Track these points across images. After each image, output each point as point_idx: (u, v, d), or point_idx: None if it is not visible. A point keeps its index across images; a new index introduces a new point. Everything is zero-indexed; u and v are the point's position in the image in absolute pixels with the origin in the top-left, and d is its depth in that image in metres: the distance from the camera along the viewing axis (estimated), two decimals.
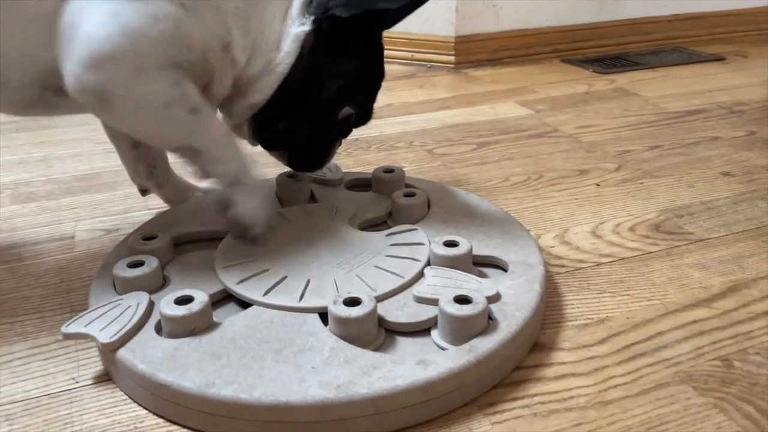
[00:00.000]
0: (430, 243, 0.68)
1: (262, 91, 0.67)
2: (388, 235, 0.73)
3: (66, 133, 1.22)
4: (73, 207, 0.91)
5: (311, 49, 0.66)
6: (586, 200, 0.92)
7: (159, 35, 0.57)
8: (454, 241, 0.68)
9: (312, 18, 0.66)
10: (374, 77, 0.74)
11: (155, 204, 0.92)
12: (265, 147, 0.74)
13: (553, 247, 0.79)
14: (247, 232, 0.70)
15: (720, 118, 1.27)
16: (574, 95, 1.44)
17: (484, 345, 0.55)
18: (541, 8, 1.73)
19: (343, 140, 0.79)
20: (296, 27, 0.66)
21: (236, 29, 0.63)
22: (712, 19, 1.94)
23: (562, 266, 0.75)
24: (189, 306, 0.57)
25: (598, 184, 0.97)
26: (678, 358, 0.60)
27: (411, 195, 0.79)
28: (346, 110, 0.72)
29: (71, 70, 0.57)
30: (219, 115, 0.72)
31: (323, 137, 0.74)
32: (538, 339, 0.62)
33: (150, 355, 0.54)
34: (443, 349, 0.56)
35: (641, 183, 0.98)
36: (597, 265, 0.76)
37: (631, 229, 0.84)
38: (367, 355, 0.54)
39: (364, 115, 0.75)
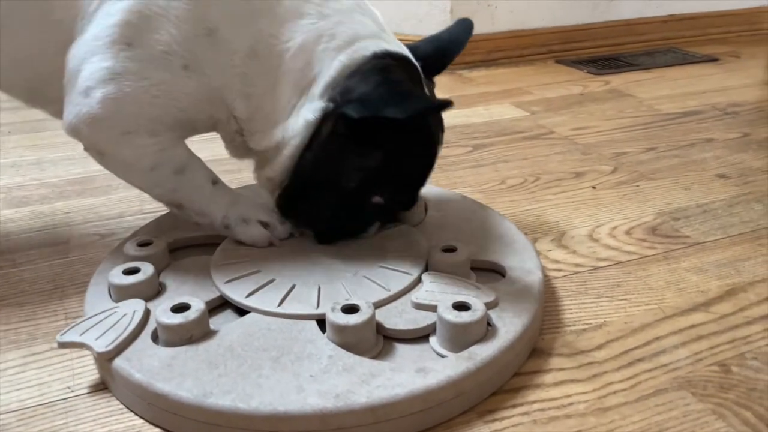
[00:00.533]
0: (428, 248, 0.68)
1: (274, 168, 0.66)
2: (382, 237, 0.72)
3: (59, 135, 1.21)
4: (67, 211, 0.91)
5: (330, 135, 0.63)
6: (583, 203, 0.92)
7: (150, 101, 0.60)
8: (453, 246, 0.68)
9: (330, 105, 0.62)
10: (413, 168, 0.68)
11: (150, 208, 0.91)
12: (285, 216, 0.72)
13: (550, 251, 0.79)
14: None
15: (714, 119, 1.27)
16: (569, 96, 1.44)
17: (483, 352, 0.55)
18: (536, 9, 1.73)
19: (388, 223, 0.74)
20: (310, 110, 0.62)
21: (239, 93, 0.64)
22: (706, 20, 1.95)
23: (560, 270, 0.75)
24: (185, 314, 0.57)
25: (594, 187, 0.97)
26: (676, 363, 0.60)
27: None
28: (377, 199, 0.67)
29: (68, 118, 0.62)
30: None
31: (350, 222, 0.70)
32: (536, 345, 0.62)
33: (146, 365, 0.54)
34: (442, 356, 0.56)
35: (637, 185, 0.98)
36: (594, 269, 0.76)
37: (628, 233, 0.84)
38: (366, 363, 0.54)
39: (404, 203, 0.72)
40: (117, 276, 0.63)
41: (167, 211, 0.82)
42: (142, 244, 0.69)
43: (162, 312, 0.57)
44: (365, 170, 0.64)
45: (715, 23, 1.95)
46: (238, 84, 0.63)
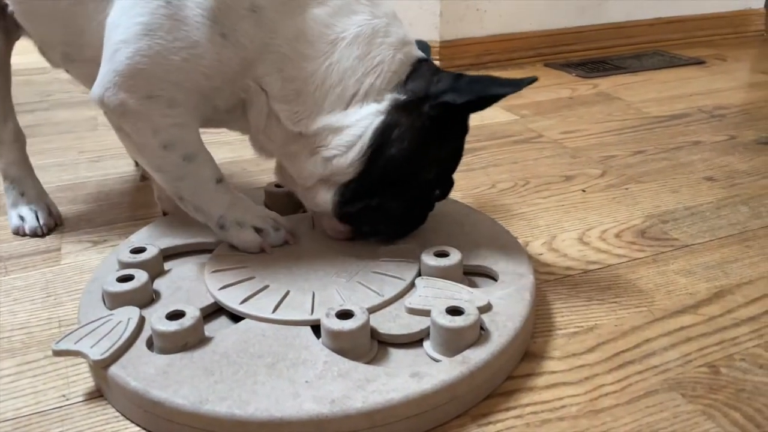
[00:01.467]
0: (420, 252, 0.69)
1: (337, 163, 0.65)
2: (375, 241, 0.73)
3: (49, 141, 1.20)
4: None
5: (412, 128, 0.65)
6: (573, 207, 0.93)
7: (179, 63, 0.61)
8: (445, 251, 0.68)
9: (407, 98, 0.65)
10: (459, 156, 0.73)
11: (142, 214, 0.91)
12: (343, 219, 0.70)
13: (541, 254, 0.80)
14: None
15: (701, 122, 1.28)
16: (558, 100, 1.45)
17: (476, 356, 0.56)
18: (525, 12, 1.74)
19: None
20: (380, 102, 0.65)
21: (276, 71, 0.64)
22: (693, 23, 1.97)
23: (551, 274, 0.76)
24: (181, 321, 0.57)
25: (583, 190, 0.98)
26: (666, 365, 0.61)
27: None
28: (437, 191, 0.72)
29: (98, 80, 0.62)
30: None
31: (413, 216, 0.73)
32: (528, 348, 0.63)
33: (142, 372, 0.54)
34: (436, 360, 0.57)
35: (626, 189, 0.99)
36: (585, 272, 0.76)
37: (618, 236, 0.85)
38: (361, 369, 0.54)
39: (446, 191, 0.74)
40: (111, 283, 0.63)
41: (159, 217, 0.83)
42: (136, 251, 0.69)
43: (157, 319, 0.57)
44: (441, 161, 0.69)
45: (701, 26, 1.98)
46: (276, 62, 0.64)
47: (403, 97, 0.65)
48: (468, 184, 1.01)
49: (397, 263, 0.69)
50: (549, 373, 0.60)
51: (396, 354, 0.59)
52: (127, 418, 0.55)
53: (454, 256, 0.67)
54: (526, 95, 1.49)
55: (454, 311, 0.58)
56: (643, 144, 1.17)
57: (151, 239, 0.74)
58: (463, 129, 0.71)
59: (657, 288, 0.73)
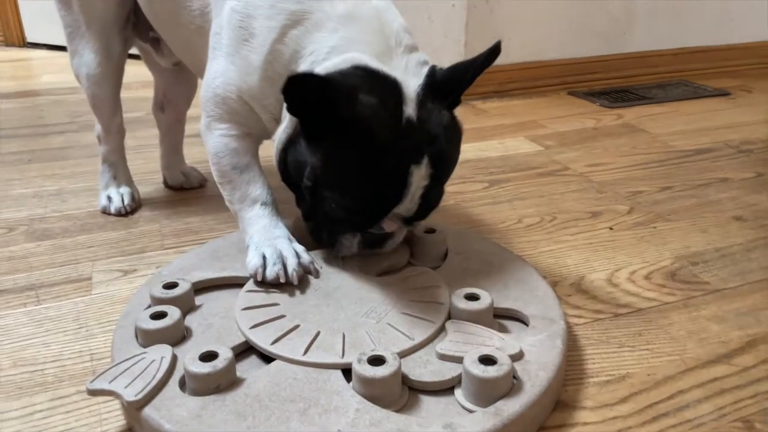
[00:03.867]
0: (450, 294, 0.69)
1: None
2: (402, 279, 0.73)
3: (79, 165, 1.22)
4: (89, 246, 0.91)
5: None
6: (601, 245, 0.93)
7: (215, 88, 0.77)
8: (475, 294, 0.68)
9: None
10: (357, 177, 0.69)
11: (171, 243, 0.92)
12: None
13: (570, 296, 0.80)
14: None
15: (729, 157, 1.28)
16: (583, 131, 1.45)
17: (509, 408, 0.55)
18: (549, 41, 1.75)
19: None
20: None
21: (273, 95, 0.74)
22: (718, 53, 1.96)
23: (580, 317, 0.76)
24: (214, 363, 0.57)
25: (611, 228, 0.98)
26: (700, 419, 0.60)
27: (431, 231, 0.81)
28: (329, 205, 0.71)
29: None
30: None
31: (320, 223, 0.75)
32: (560, 397, 0.63)
33: (176, 414, 0.54)
34: (468, 410, 0.56)
35: (654, 227, 0.98)
36: (615, 316, 0.76)
37: (647, 278, 0.84)
38: (393, 418, 0.54)
39: (359, 220, 0.72)
40: (144, 320, 0.64)
41: (189, 249, 0.83)
42: (168, 286, 0.70)
43: (190, 361, 0.57)
44: (313, 168, 0.69)
45: (727, 56, 1.97)
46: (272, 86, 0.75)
47: None
48: (494, 218, 1.01)
49: (427, 305, 0.69)
50: (582, 424, 0.59)
51: (427, 402, 0.59)
52: None
53: (485, 300, 0.67)
54: (551, 125, 1.49)
55: (487, 360, 0.58)
56: (670, 179, 1.16)
57: (183, 272, 0.75)
58: (349, 143, 0.66)
59: (689, 335, 0.72)
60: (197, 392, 0.57)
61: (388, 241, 0.75)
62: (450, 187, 1.12)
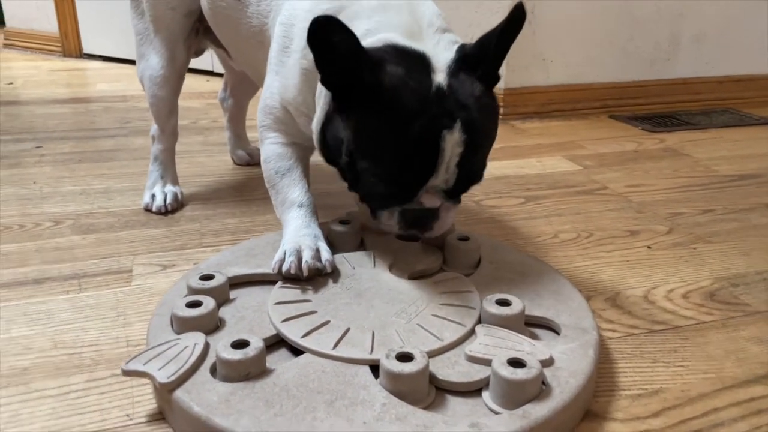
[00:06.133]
0: (481, 300, 0.69)
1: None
2: (434, 283, 0.74)
3: (126, 167, 1.26)
4: (131, 241, 0.94)
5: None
6: (638, 263, 0.91)
7: (264, 99, 0.84)
8: (507, 300, 0.68)
9: None
10: (389, 147, 0.68)
11: (209, 242, 0.94)
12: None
13: (604, 310, 0.79)
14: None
15: None
16: (623, 153, 1.44)
17: (537, 412, 0.55)
18: (591, 64, 1.74)
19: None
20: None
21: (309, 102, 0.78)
22: (764, 82, 1.93)
23: (614, 331, 0.74)
24: (245, 351, 0.58)
25: (649, 247, 0.96)
26: None
27: (465, 239, 0.80)
28: (366, 176, 0.71)
29: None
30: None
31: (362, 193, 0.76)
32: (590, 407, 0.62)
33: (205, 398, 0.55)
34: (495, 412, 0.56)
35: (694, 248, 0.96)
36: (650, 332, 0.74)
37: (685, 297, 0.82)
38: (419, 414, 0.54)
39: (395, 193, 0.71)
40: (180, 308, 0.65)
41: (225, 248, 0.85)
42: (205, 278, 0.72)
43: (223, 347, 0.58)
44: (347, 141, 0.70)
45: None
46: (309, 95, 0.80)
47: None
48: (530, 232, 1.01)
49: (457, 308, 0.69)
50: None
51: (453, 402, 0.58)
52: None
53: (516, 306, 0.67)
54: (590, 147, 1.48)
55: (516, 363, 0.57)
56: (713, 203, 1.14)
57: (219, 267, 0.76)
58: (378, 111, 0.66)
59: (727, 354, 0.70)
60: (228, 378, 0.58)
61: (434, 223, 0.73)
62: (486, 201, 1.13)
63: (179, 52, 1.02)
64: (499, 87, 1.67)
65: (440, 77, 0.67)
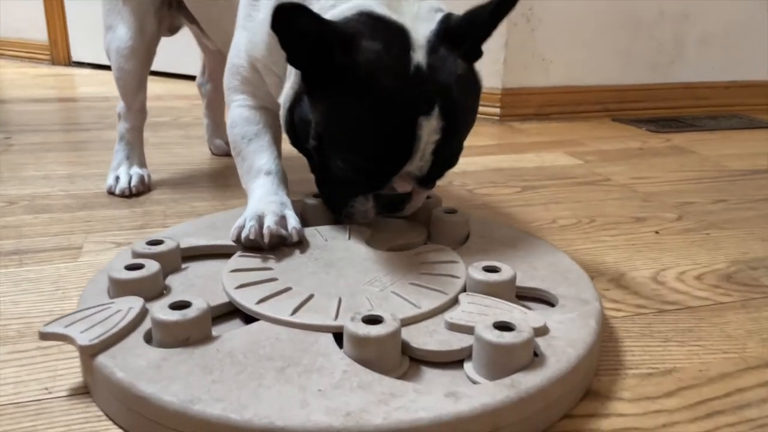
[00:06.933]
0: (467, 267, 0.60)
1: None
2: (416, 254, 0.65)
3: (97, 155, 1.19)
4: (88, 220, 0.86)
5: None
6: (645, 246, 0.82)
7: (231, 59, 0.77)
8: (495, 266, 0.59)
9: None
10: (366, 131, 0.61)
11: (173, 222, 0.86)
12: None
13: (607, 290, 0.70)
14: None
15: None
16: (627, 150, 1.36)
17: (528, 381, 0.45)
18: (593, 66, 1.68)
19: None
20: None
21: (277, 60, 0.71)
22: None
23: (619, 311, 0.65)
24: (184, 312, 0.49)
25: (657, 232, 0.88)
26: (765, 419, 0.49)
27: (452, 212, 0.72)
28: (339, 164, 0.64)
29: None
30: None
31: (329, 188, 0.70)
32: (591, 386, 0.52)
33: (132, 364, 0.46)
34: (477, 384, 0.47)
35: (707, 234, 0.87)
36: (660, 311, 0.65)
37: (698, 278, 0.73)
38: (386, 382, 0.45)
39: (372, 180, 0.65)
40: (117, 270, 0.57)
41: (189, 220, 0.77)
42: (153, 243, 0.63)
43: (159, 308, 0.50)
44: (315, 125, 0.64)
45: None
46: (274, 53, 0.72)
47: None
48: (526, 218, 0.92)
49: (439, 277, 0.60)
50: (617, 415, 0.49)
51: (430, 374, 0.49)
52: (110, 418, 0.47)
53: (506, 272, 0.58)
54: (592, 144, 1.40)
55: (503, 327, 0.48)
56: (725, 194, 1.06)
57: (176, 237, 0.68)
58: (352, 93, 0.60)
59: (749, 335, 0.61)
60: (163, 344, 0.49)
61: (407, 204, 0.68)
62: (479, 190, 1.05)
63: (149, 24, 0.95)
64: (497, 87, 1.60)
65: (419, 55, 0.61)
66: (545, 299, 0.60)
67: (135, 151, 1.01)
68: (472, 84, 0.65)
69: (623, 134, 1.51)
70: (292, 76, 0.68)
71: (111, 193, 0.96)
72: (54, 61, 2.43)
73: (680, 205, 0.99)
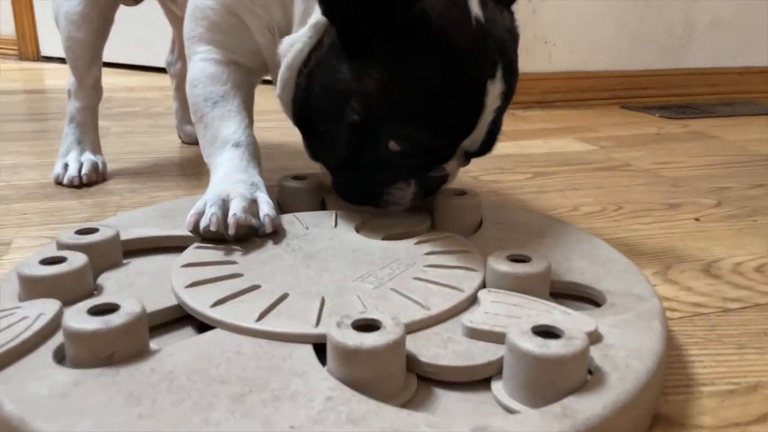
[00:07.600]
0: (485, 260, 0.47)
1: (279, 86, 0.58)
2: (417, 243, 0.52)
3: (51, 145, 1.05)
4: (24, 213, 0.72)
5: (330, 47, 0.54)
6: (687, 235, 0.70)
7: (194, 2, 0.62)
8: (524, 255, 0.46)
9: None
10: (433, 99, 0.51)
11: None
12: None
13: (655, 285, 0.57)
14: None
15: None
16: (643, 135, 1.24)
17: (585, 408, 0.32)
18: (599, 50, 1.56)
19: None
20: (316, 15, 0.54)
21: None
22: None
23: (674, 310, 0.53)
24: (108, 318, 0.36)
25: (697, 219, 0.75)
26: None
27: (462, 194, 0.59)
28: (392, 145, 0.52)
29: None
30: None
31: (367, 175, 0.56)
32: (660, 410, 0.39)
33: (30, 392, 0.33)
34: (513, 411, 0.34)
35: (753, 220, 0.75)
36: (723, 311, 0.53)
37: (759, 270, 0.61)
38: (386, 413, 0.32)
39: (434, 155, 0.54)
40: (29, 266, 0.43)
41: (141, 207, 0.64)
42: (83, 232, 0.50)
43: (74, 314, 0.36)
44: (364, 95, 0.50)
45: None
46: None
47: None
48: (543, 205, 0.79)
49: (451, 270, 0.47)
50: None
51: (446, 398, 0.36)
52: None
53: (539, 264, 0.45)
54: (604, 130, 1.28)
55: (546, 333, 0.35)
56: (762, 179, 0.93)
57: (121, 227, 0.54)
58: (419, 56, 0.49)
59: None
60: (79, 363, 0.35)
61: (443, 185, 0.59)
62: (485, 177, 0.92)
63: None
64: None
65: (475, 6, 0.51)
66: (588, 296, 0.47)
67: (87, 135, 0.88)
68: (517, 40, 0.56)
69: (636, 121, 1.39)
70: (302, 29, 0.55)
71: (59, 183, 0.83)
72: (22, 56, 2.29)
73: (716, 191, 0.87)
